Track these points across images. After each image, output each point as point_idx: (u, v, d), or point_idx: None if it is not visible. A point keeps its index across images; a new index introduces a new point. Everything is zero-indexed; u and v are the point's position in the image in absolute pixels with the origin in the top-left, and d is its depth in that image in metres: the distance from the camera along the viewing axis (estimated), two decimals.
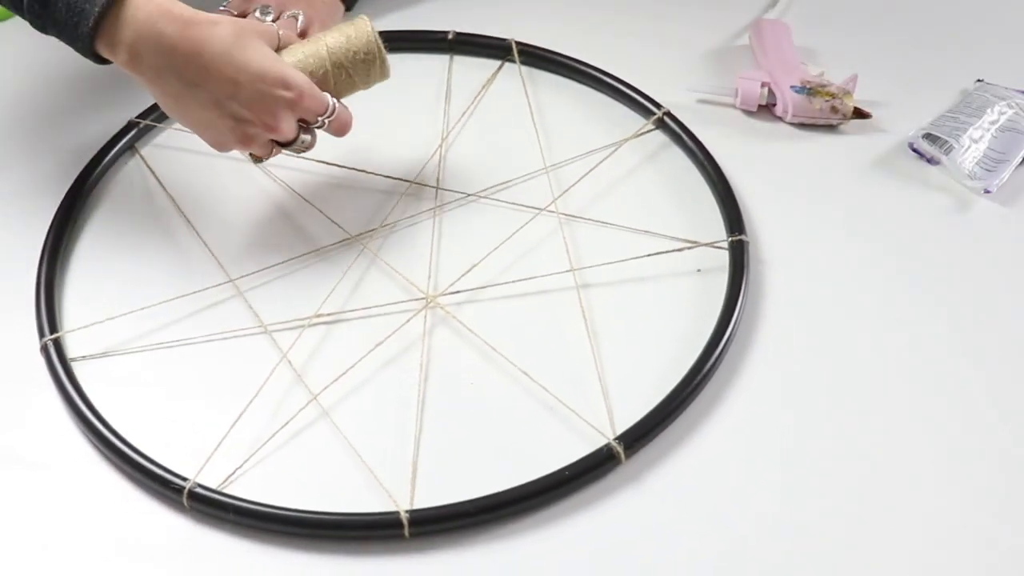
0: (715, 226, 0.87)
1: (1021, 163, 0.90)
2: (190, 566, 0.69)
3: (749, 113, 0.97)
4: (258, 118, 0.77)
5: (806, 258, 0.86)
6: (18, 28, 1.00)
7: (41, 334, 0.79)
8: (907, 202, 0.90)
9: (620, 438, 0.72)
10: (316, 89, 0.80)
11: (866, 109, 0.94)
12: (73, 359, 0.78)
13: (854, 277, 0.84)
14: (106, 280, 0.84)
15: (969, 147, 0.90)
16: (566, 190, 0.89)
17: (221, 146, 0.81)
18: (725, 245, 0.84)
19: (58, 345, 0.78)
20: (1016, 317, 0.82)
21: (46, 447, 0.75)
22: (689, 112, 0.95)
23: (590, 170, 0.91)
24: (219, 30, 0.76)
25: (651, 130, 0.94)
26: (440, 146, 0.93)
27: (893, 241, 0.87)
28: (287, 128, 0.79)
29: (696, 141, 0.91)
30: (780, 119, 0.96)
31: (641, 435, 0.73)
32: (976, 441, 0.74)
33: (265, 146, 0.81)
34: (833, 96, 0.93)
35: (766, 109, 0.96)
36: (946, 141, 0.90)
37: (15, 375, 0.79)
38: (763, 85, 0.95)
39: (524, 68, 1.00)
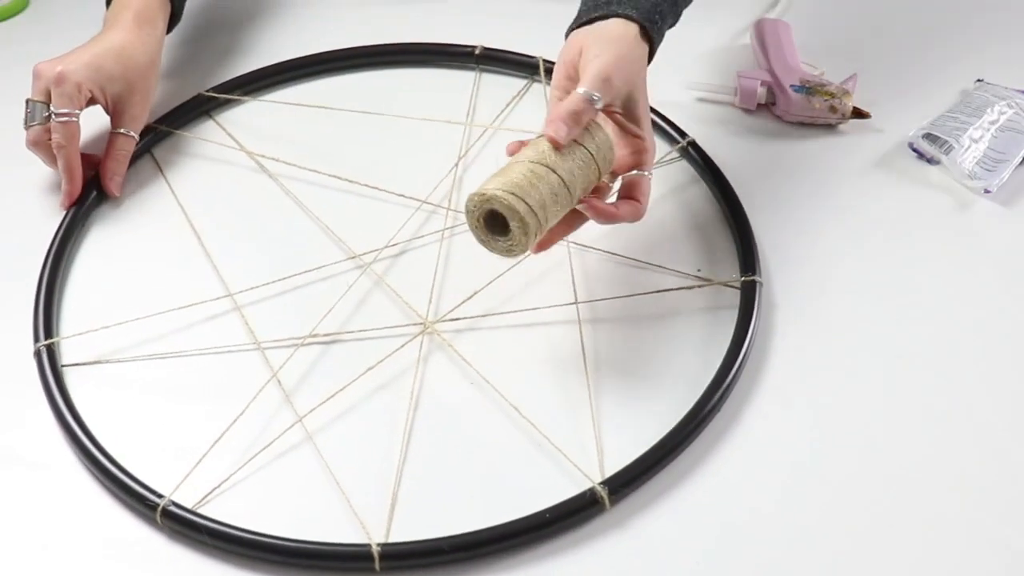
0: (728, 260, 0.84)
1: (1021, 163, 0.89)
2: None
3: (748, 112, 0.96)
4: None
5: (805, 256, 0.84)
6: (25, 26, 1.01)
7: (36, 339, 0.79)
8: (907, 202, 0.89)
9: (606, 483, 0.70)
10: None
11: (866, 109, 0.93)
12: (66, 365, 0.78)
13: (852, 277, 0.83)
14: (108, 287, 0.85)
15: (969, 147, 0.89)
16: None
17: None
18: (737, 284, 0.81)
19: (51, 351, 0.78)
20: (1016, 317, 0.80)
21: (35, 452, 0.75)
22: (688, 110, 0.94)
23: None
24: None
25: (674, 159, 0.91)
26: (455, 167, 0.91)
27: (893, 241, 0.86)
28: None
29: (718, 173, 0.89)
30: (779, 118, 0.95)
31: (628, 481, 0.71)
32: (976, 442, 0.73)
33: None
34: (832, 96, 0.92)
35: (765, 108, 0.96)
36: (946, 141, 0.90)
37: (13, 379, 0.79)
38: (762, 84, 0.94)
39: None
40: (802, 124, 0.94)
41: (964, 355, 0.78)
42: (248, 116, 0.97)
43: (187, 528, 0.69)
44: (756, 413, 0.75)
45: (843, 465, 0.73)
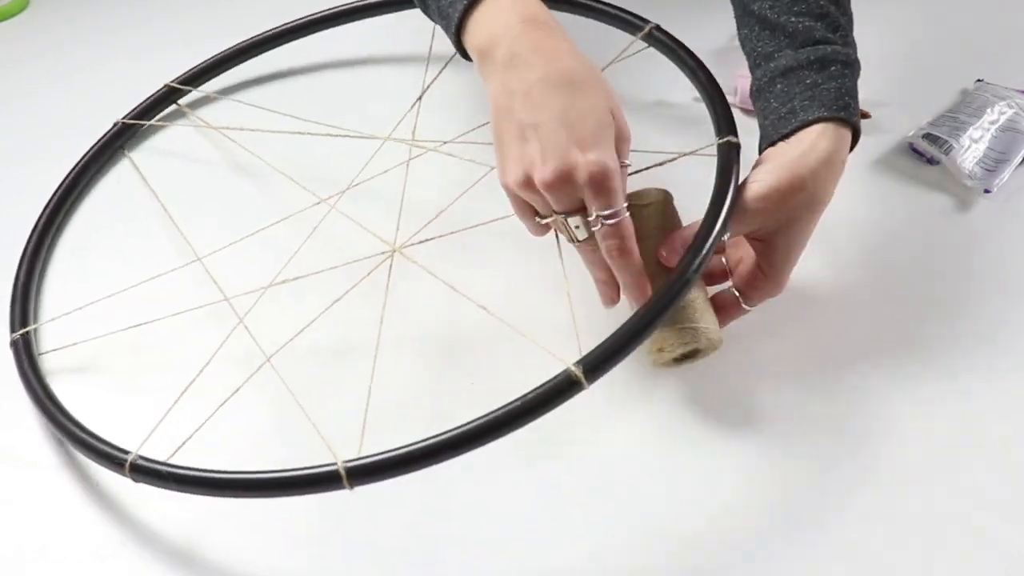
0: (708, 137, 0.78)
1: (1021, 163, 0.87)
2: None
3: (747, 112, 0.92)
4: (546, 155, 0.63)
5: (803, 256, 0.76)
6: (25, 26, 1.04)
7: (12, 329, 0.79)
8: (907, 202, 0.85)
9: (580, 362, 0.65)
10: (618, 182, 0.64)
11: (866, 109, 0.91)
12: (43, 353, 0.78)
13: (852, 276, 0.78)
14: (86, 274, 0.85)
15: (969, 147, 0.87)
16: None
17: (501, 172, 0.66)
18: (714, 152, 0.75)
19: (26, 338, 0.78)
20: (1016, 317, 0.76)
21: (14, 440, 0.75)
22: (686, 110, 0.92)
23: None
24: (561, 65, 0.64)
25: (642, 49, 0.86)
26: (419, 99, 0.88)
27: (892, 241, 0.81)
28: (564, 197, 0.64)
29: (687, 51, 0.83)
30: None
31: (605, 359, 0.65)
32: (976, 441, 0.68)
33: (540, 196, 0.65)
34: None
35: None
36: (946, 141, 0.87)
37: None
38: None
39: None
40: None
41: (963, 355, 0.73)
42: (210, 99, 0.99)
43: (156, 478, 0.66)
44: None
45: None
